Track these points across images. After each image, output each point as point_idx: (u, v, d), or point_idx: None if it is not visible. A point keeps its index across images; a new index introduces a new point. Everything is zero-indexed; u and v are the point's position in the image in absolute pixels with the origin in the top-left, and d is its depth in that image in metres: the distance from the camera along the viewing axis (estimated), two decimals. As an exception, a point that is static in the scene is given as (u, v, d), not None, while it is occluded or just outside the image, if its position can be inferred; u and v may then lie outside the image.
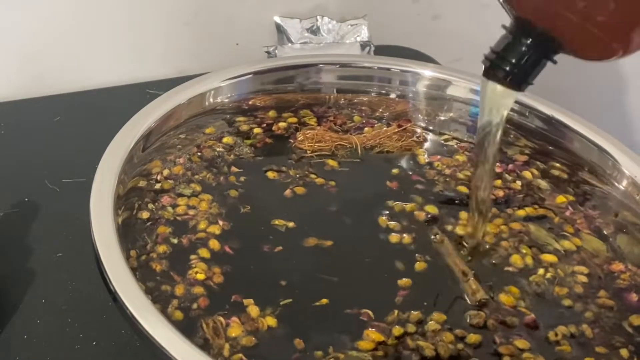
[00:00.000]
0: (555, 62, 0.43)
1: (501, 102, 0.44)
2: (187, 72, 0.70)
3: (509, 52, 0.42)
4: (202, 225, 0.48)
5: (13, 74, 0.70)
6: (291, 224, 0.49)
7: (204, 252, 0.47)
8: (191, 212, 0.50)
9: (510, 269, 0.48)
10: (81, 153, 0.58)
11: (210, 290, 0.44)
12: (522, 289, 0.46)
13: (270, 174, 0.54)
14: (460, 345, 0.42)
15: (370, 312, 0.43)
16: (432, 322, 0.43)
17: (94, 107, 0.69)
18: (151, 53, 0.75)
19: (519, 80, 0.43)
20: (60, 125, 0.66)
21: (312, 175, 0.54)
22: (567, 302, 0.46)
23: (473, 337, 0.43)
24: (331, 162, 0.56)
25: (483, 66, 0.44)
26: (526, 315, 0.44)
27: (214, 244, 0.47)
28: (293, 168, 0.55)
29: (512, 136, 0.59)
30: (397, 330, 0.43)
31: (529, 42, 0.42)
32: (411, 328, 0.43)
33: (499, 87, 0.43)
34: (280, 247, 0.47)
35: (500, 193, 0.54)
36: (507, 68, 0.42)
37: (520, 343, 0.43)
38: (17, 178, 0.59)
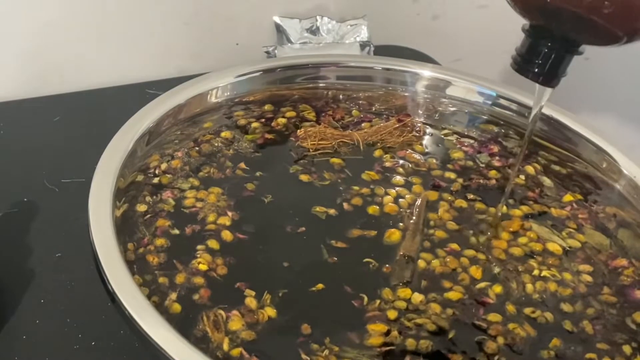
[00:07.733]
0: (581, 53, 0.43)
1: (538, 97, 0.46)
2: (187, 72, 0.70)
3: (532, 54, 0.43)
4: (211, 218, 0.48)
5: (13, 73, 0.70)
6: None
7: (212, 243, 0.46)
8: (199, 204, 0.50)
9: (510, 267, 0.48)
10: (81, 153, 0.58)
11: (213, 281, 0.44)
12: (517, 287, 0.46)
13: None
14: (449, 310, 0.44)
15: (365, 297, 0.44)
16: (415, 294, 0.44)
17: (94, 107, 0.69)
18: (151, 53, 0.74)
19: (549, 78, 0.44)
20: (60, 125, 0.66)
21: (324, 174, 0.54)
22: (565, 307, 0.45)
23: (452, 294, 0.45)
24: (335, 160, 0.55)
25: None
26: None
27: (226, 234, 0.47)
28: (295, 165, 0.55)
29: (511, 132, 0.60)
30: (391, 314, 0.43)
31: (549, 43, 0.43)
32: (401, 304, 0.44)
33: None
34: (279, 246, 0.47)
35: (494, 182, 0.55)
36: (536, 70, 0.43)
37: (494, 316, 0.44)
38: (17, 178, 0.59)
